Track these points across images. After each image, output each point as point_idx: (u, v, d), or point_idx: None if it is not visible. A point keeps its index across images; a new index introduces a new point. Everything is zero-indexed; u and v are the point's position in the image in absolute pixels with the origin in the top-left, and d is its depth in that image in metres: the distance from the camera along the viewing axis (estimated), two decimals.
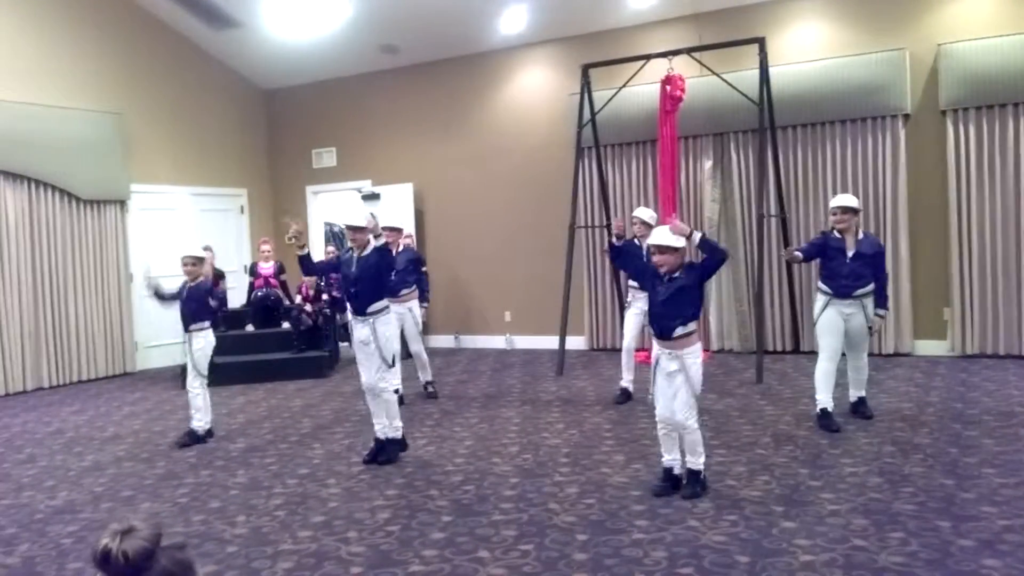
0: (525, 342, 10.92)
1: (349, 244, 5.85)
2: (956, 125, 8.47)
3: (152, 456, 6.19)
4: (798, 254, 6.24)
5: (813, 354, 9.03)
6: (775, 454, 5.35)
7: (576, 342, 10.18)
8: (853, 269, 5.90)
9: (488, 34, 10.54)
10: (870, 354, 8.70)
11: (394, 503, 4.77)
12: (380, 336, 5.62)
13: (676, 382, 4.58)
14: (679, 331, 4.56)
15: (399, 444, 5.80)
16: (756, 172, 8.63)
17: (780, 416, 6.40)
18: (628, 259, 5.99)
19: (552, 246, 10.09)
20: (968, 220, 8.47)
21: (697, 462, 4.65)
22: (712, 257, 4.58)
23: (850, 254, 5.93)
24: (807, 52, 9.14)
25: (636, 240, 7.01)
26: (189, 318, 6.58)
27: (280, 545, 4.19)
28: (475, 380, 8.79)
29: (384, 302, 5.73)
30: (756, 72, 8.44)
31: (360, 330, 5.68)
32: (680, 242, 4.57)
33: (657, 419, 4.72)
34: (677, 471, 4.71)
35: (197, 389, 6.53)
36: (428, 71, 11.43)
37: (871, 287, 5.99)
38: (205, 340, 6.59)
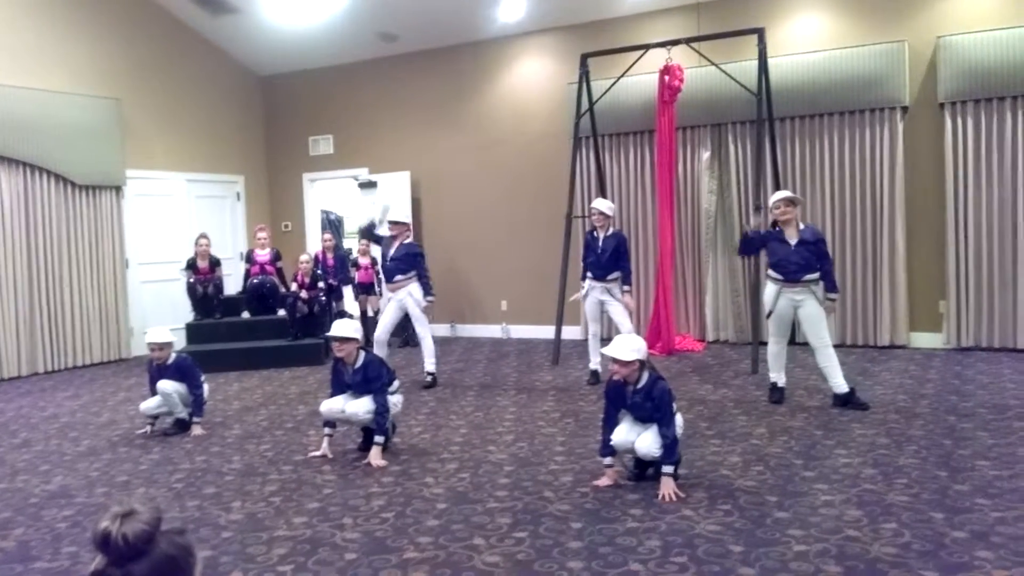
0: (521, 331, 10.93)
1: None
2: (954, 118, 8.46)
3: (147, 442, 6.19)
4: (751, 229, 6.77)
5: (808, 345, 9.10)
6: (770, 445, 5.37)
7: (572, 332, 10.18)
8: (800, 255, 6.21)
9: (487, 22, 10.50)
10: (864, 345, 8.84)
11: (389, 490, 4.78)
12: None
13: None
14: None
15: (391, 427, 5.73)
16: (754, 163, 8.63)
17: (774, 407, 6.42)
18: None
19: (549, 236, 10.09)
20: (965, 213, 8.48)
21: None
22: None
23: (793, 242, 6.25)
24: (806, 43, 9.13)
25: (595, 232, 7.53)
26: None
27: (275, 531, 4.20)
28: (471, 369, 8.80)
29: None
30: (755, 63, 8.43)
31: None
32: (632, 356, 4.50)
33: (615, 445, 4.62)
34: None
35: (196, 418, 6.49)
36: (426, 59, 11.39)
37: (817, 274, 6.26)
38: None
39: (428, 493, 4.70)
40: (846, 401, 6.28)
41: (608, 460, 4.65)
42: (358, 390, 5.50)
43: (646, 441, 4.53)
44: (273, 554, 3.91)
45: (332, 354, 5.71)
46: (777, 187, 8.94)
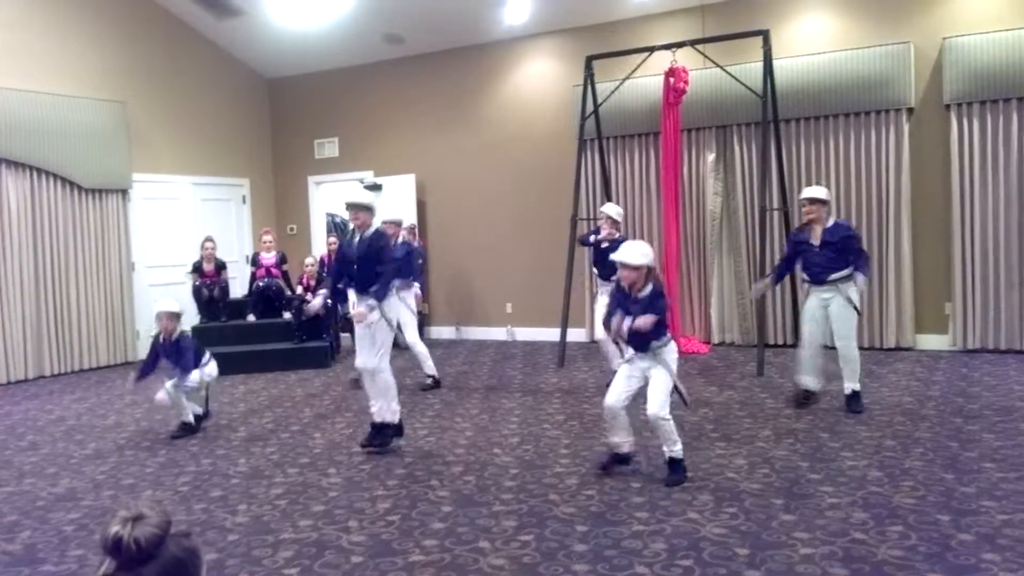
0: (526, 334, 10.93)
1: (352, 224, 5.85)
2: (960, 119, 8.44)
3: (153, 444, 6.20)
4: (765, 283, 6.70)
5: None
6: (775, 447, 5.36)
7: (577, 334, 10.18)
8: (824, 256, 6.14)
9: (492, 25, 10.51)
10: (870, 347, 8.81)
11: (395, 493, 4.78)
12: (385, 316, 5.61)
13: (650, 375, 4.73)
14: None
15: (395, 429, 5.72)
16: (759, 165, 8.62)
17: (781, 409, 6.41)
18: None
19: (554, 238, 10.08)
20: (971, 215, 8.45)
21: (676, 450, 4.74)
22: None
23: (816, 243, 6.18)
24: (811, 45, 9.11)
25: (594, 237, 7.36)
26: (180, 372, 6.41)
27: (281, 534, 4.21)
28: (476, 371, 8.80)
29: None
30: (760, 65, 8.43)
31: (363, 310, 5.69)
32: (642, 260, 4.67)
33: (605, 408, 4.88)
34: (625, 449, 4.92)
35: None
36: (432, 61, 11.40)
37: (846, 271, 6.15)
38: (211, 373, 6.62)
39: (434, 496, 4.70)
40: (847, 403, 6.25)
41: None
42: (368, 256, 5.62)
43: (655, 405, 4.63)
44: (279, 557, 3.91)
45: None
46: (783, 189, 8.95)
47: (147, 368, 6.50)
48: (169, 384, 6.31)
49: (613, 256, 4.88)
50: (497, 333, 11.19)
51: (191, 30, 11.44)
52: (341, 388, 8.09)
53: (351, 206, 5.82)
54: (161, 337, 6.44)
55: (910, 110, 8.71)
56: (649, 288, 4.69)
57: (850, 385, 6.26)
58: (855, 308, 6.16)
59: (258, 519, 4.45)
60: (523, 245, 10.87)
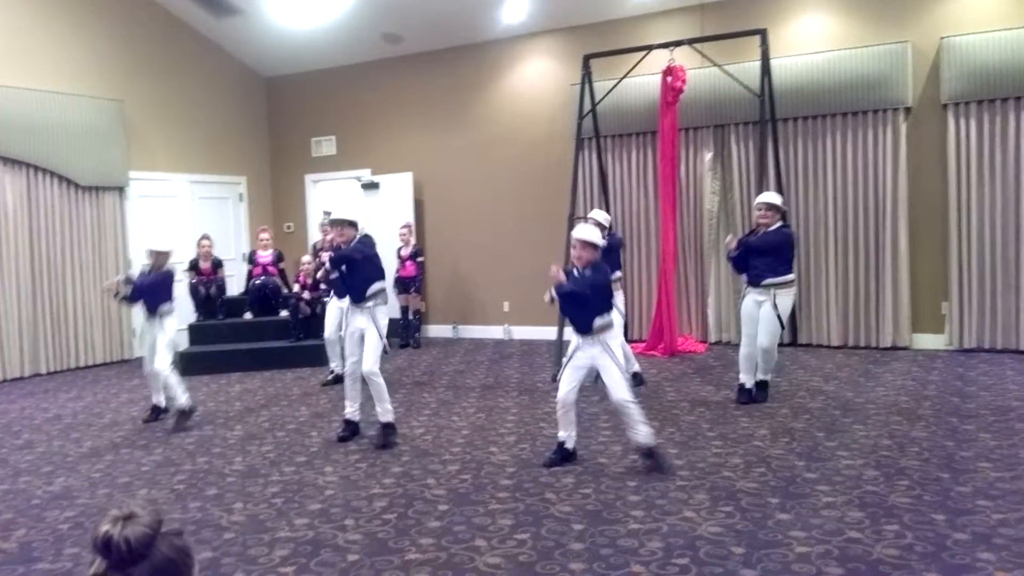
0: (523, 333, 10.92)
1: (336, 241, 5.94)
2: (957, 119, 8.45)
3: (149, 443, 6.20)
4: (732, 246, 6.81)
5: (810, 347, 9.12)
6: (771, 446, 5.36)
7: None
8: (763, 261, 6.41)
9: (490, 23, 10.51)
10: (866, 346, 8.82)
11: (391, 491, 4.78)
12: (378, 325, 5.84)
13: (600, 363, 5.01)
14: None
15: (392, 428, 5.87)
16: (756, 164, 8.62)
17: (777, 409, 6.41)
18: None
19: (551, 237, 10.07)
20: (968, 214, 8.46)
21: (645, 434, 4.94)
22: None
23: (759, 245, 6.44)
24: (809, 44, 9.12)
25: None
26: (156, 302, 6.80)
27: (277, 532, 4.20)
28: (473, 370, 8.80)
29: (379, 284, 5.94)
30: (758, 64, 8.43)
31: (358, 319, 5.90)
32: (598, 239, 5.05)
33: (558, 401, 5.15)
34: (569, 446, 5.17)
35: (170, 367, 6.70)
36: (429, 60, 11.39)
37: (786, 278, 6.45)
38: (175, 321, 7.00)
39: (430, 494, 4.70)
40: (757, 386, 6.67)
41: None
42: (360, 266, 5.83)
43: (618, 391, 4.90)
44: (275, 555, 3.91)
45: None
46: (780, 188, 8.94)
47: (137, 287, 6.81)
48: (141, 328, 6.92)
49: (573, 232, 5.18)
50: (494, 332, 11.18)
51: (189, 28, 11.42)
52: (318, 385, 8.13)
53: (336, 222, 5.89)
54: (146, 269, 6.88)
55: (907, 109, 8.72)
56: (591, 269, 5.03)
57: (760, 375, 6.69)
58: (779, 317, 6.46)
59: (254, 517, 4.45)
60: (521, 244, 10.87)
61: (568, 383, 5.11)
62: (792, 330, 9.32)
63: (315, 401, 7.48)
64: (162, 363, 6.62)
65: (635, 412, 4.90)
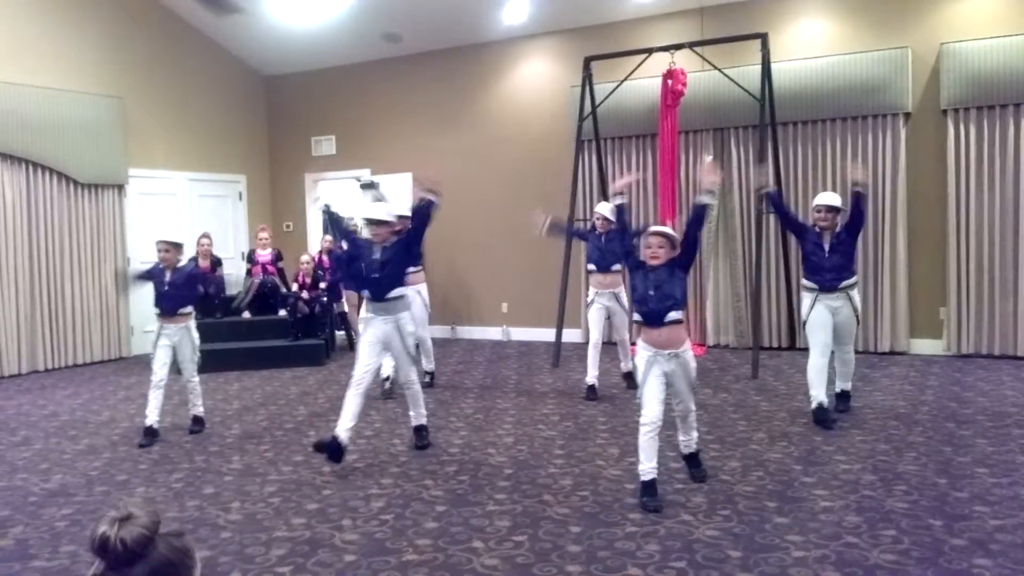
0: (521, 334, 10.93)
1: (368, 236, 5.87)
2: (957, 125, 8.46)
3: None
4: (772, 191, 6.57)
5: (808, 350, 9.09)
6: (769, 450, 5.37)
7: (572, 334, 10.17)
8: (835, 263, 5.98)
9: (491, 24, 10.51)
10: (864, 351, 8.83)
11: (388, 492, 4.78)
12: (405, 335, 5.58)
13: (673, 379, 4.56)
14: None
15: (425, 430, 5.82)
16: (756, 168, 8.61)
17: (775, 412, 6.42)
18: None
19: (550, 239, 10.05)
20: (966, 220, 8.47)
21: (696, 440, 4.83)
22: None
23: (827, 247, 6.01)
24: (809, 48, 9.13)
25: (598, 233, 7.29)
26: (178, 303, 6.31)
27: (274, 532, 4.20)
28: (471, 371, 8.80)
29: (403, 289, 5.75)
30: (758, 68, 8.44)
31: (383, 327, 5.53)
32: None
33: (644, 423, 4.45)
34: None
35: (196, 376, 6.46)
36: (430, 60, 11.39)
37: (855, 279, 6.11)
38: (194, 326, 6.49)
39: (427, 495, 4.70)
40: (836, 401, 6.29)
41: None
42: (393, 260, 5.82)
43: (689, 400, 4.69)
44: (272, 555, 3.91)
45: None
46: (779, 192, 8.92)
47: (144, 277, 6.49)
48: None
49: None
50: (493, 333, 11.18)
51: (189, 26, 11.41)
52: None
53: (373, 222, 5.85)
54: (160, 266, 6.31)
55: (907, 115, 8.73)
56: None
57: (843, 385, 6.34)
58: (856, 318, 6.13)
59: (251, 517, 4.45)
60: (519, 245, 10.86)
61: (658, 400, 4.50)
62: (791, 333, 9.33)
63: (313, 401, 7.48)
64: (194, 373, 6.40)
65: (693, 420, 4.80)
